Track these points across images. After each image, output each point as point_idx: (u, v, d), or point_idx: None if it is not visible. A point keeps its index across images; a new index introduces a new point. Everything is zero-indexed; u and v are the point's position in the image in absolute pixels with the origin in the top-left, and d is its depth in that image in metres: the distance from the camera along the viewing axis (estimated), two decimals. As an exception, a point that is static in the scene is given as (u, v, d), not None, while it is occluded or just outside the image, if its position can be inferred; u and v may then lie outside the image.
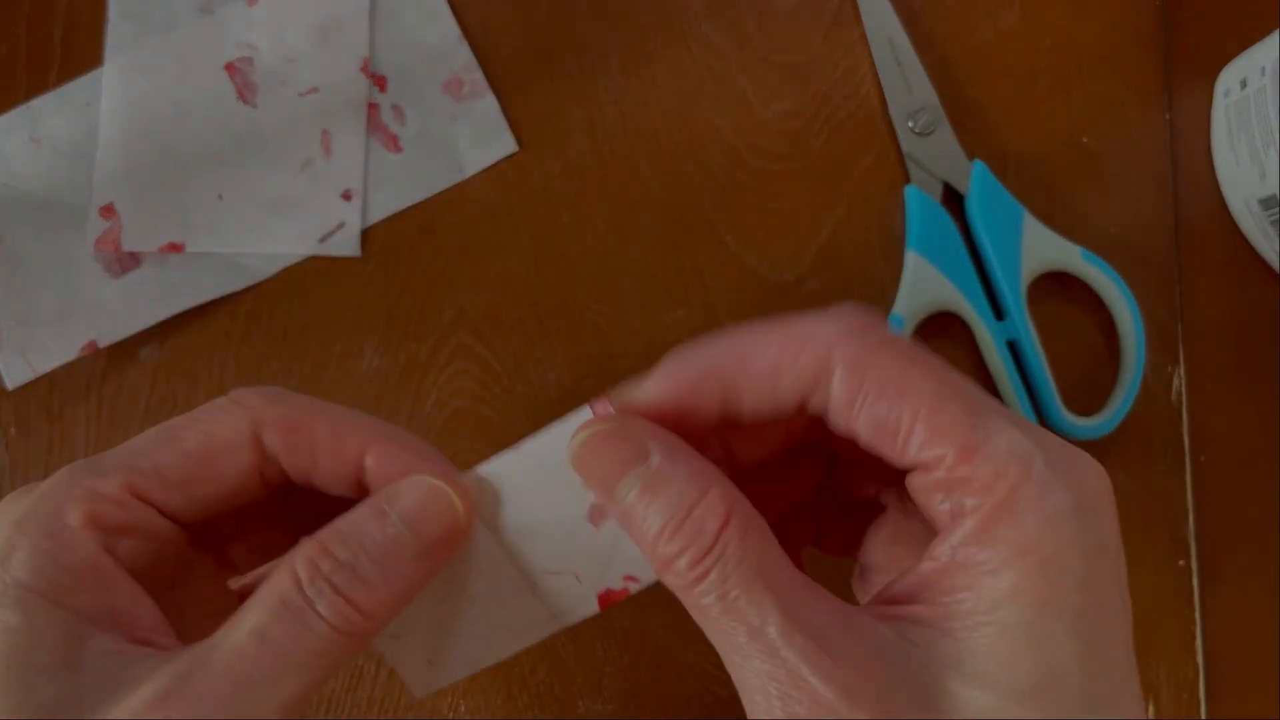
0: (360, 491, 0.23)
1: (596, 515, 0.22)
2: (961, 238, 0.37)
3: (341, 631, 0.20)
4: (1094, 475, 0.21)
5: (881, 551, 0.25)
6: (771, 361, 0.21)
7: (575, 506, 0.22)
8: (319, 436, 0.22)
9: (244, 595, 0.25)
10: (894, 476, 0.21)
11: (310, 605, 0.20)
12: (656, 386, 0.21)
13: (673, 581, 0.20)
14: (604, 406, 0.22)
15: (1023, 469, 0.19)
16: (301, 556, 0.21)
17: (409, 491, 0.22)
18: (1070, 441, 0.37)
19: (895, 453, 0.20)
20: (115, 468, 0.21)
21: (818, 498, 0.27)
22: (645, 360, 0.37)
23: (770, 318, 0.21)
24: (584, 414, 0.22)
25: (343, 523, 0.21)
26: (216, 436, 0.22)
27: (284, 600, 0.20)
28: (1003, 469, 0.19)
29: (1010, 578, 0.18)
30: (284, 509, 0.26)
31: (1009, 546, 0.19)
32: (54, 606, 0.20)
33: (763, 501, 0.21)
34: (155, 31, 0.38)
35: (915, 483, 0.20)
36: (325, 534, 0.21)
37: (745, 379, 0.21)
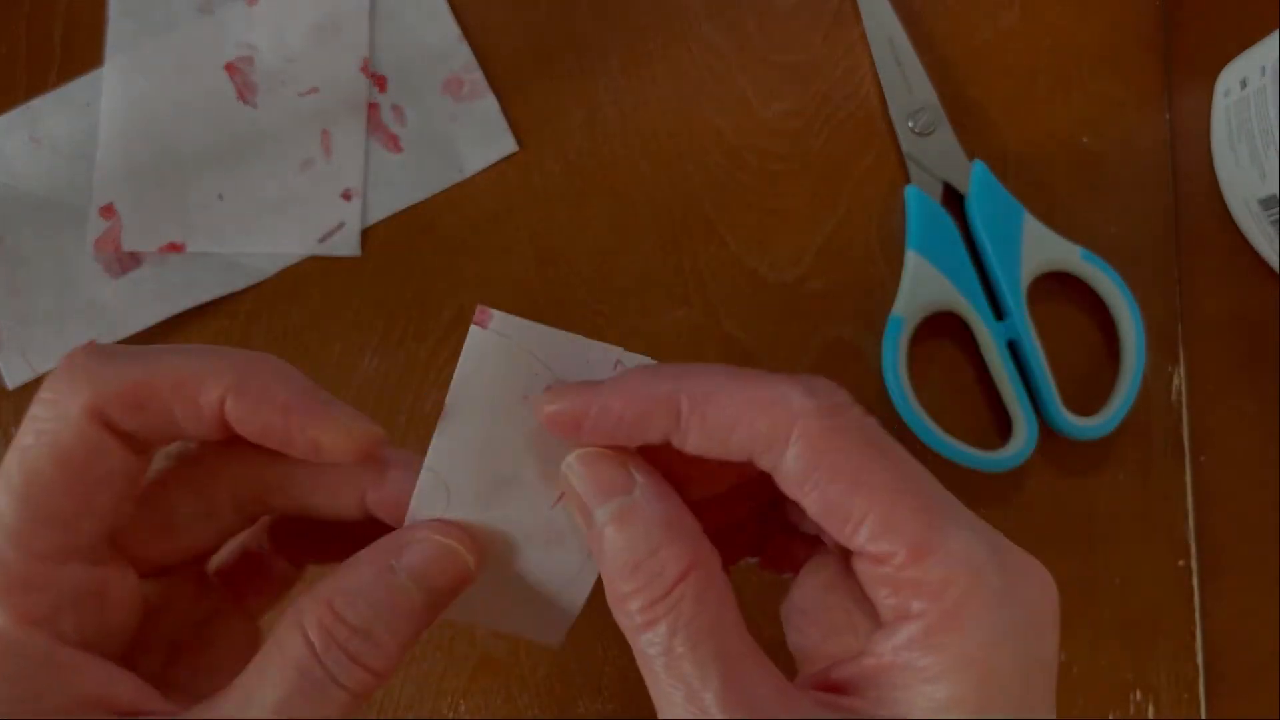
0: (227, 432, 0.21)
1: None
2: (961, 238, 0.37)
3: (357, 694, 0.20)
4: (1041, 587, 0.20)
5: (814, 596, 0.24)
6: (732, 412, 0.20)
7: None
8: (168, 398, 0.20)
9: (224, 574, 0.25)
10: None
11: (332, 677, 0.20)
12: (609, 395, 0.21)
13: (623, 622, 0.20)
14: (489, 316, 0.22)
15: (973, 578, 0.18)
16: (312, 619, 0.20)
17: (417, 548, 0.21)
18: (1070, 441, 0.38)
19: (843, 537, 0.20)
20: (3, 540, 0.20)
21: (762, 515, 0.26)
22: (645, 360, 0.37)
23: (736, 367, 0.21)
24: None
25: (349, 579, 0.21)
26: (64, 449, 0.20)
27: (303, 671, 0.20)
28: (953, 576, 0.18)
29: (949, 689, 0.18)
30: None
31: (952, 657, 0.18)
32: (28, 715, 0.19)
33: (704, 510, 0.21)
34: (155, 31, 0.38)
35: (861, 569, 0.20)
36: (332, 593, 0.20)
37: (700, 419, 0.20)
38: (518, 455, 0.22)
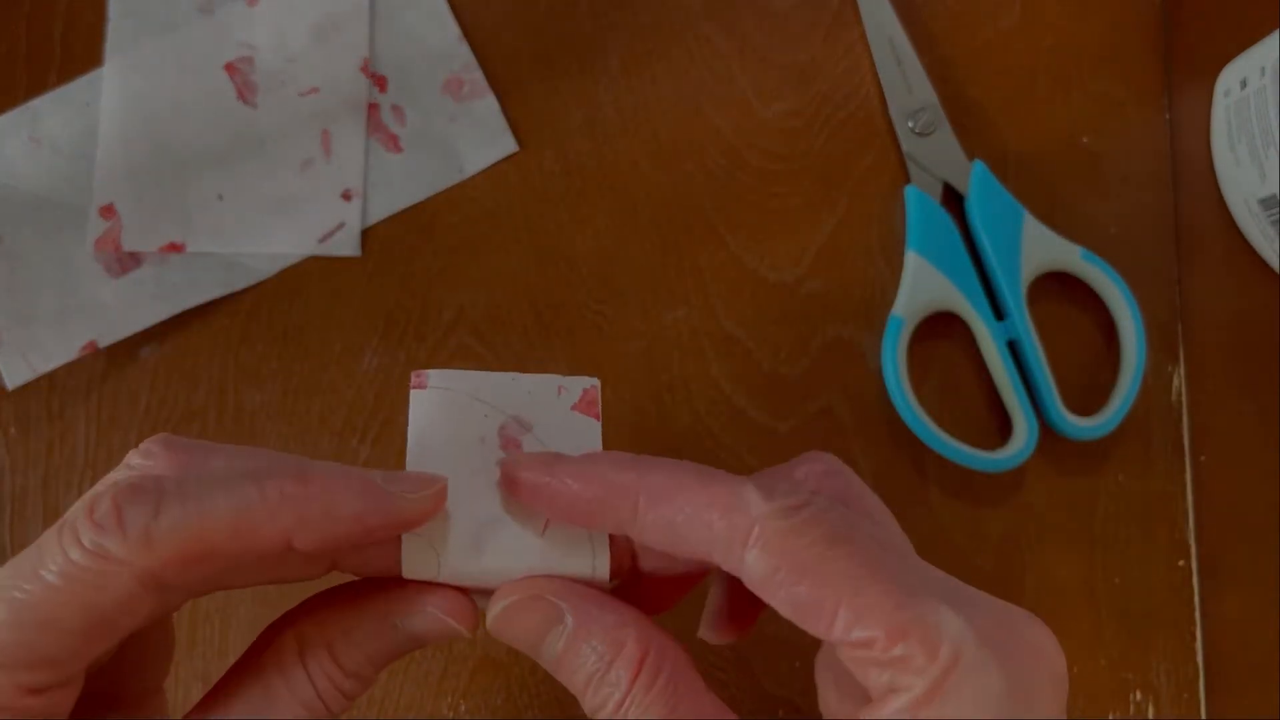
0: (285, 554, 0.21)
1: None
2: (961, 238, 0.37)
3: (340, 714, 0.22)
4: (1031, 649, 0.20)
5: (833, 657, 0.24)
6: (687, 514, 0.20)
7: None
8: (226, 552, 0.19)
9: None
10: None
11: (328, 710, 0.22)
12: (570, 476, 0.21)
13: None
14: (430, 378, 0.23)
15: (953, 651, 0.18)
16: (315, 664, 0.21)
17: (421, 620, 0.22)
18: (1070, 441, 0.38)
19: (819, 633, 0.20)
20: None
21: None
22: (645, 360, 0.37)
23: (699, 466, 0.21)
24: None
25: (351, 627, 0.22)
26: (100, 607, 0.19)
27: (309, 708, 0.21)
28: (933, 650, 0.19)
29: None
30: None
31: None
32: None
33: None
34: (155, 31, 0.38)
35: (846, 656, 0.20)
36: (334, 638, 0.22)
37: (656, 516, 0.21)
38: (492, 495, 0.22)
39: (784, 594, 0.20)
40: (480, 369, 0.36)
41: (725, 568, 0.21)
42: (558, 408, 0.24)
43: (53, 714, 0.20)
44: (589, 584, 0.22)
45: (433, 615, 0.22)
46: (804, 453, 0.25)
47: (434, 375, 0.22)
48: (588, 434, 0.24)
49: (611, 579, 0.23)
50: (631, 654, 0.21)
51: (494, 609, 0.22)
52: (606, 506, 0.21)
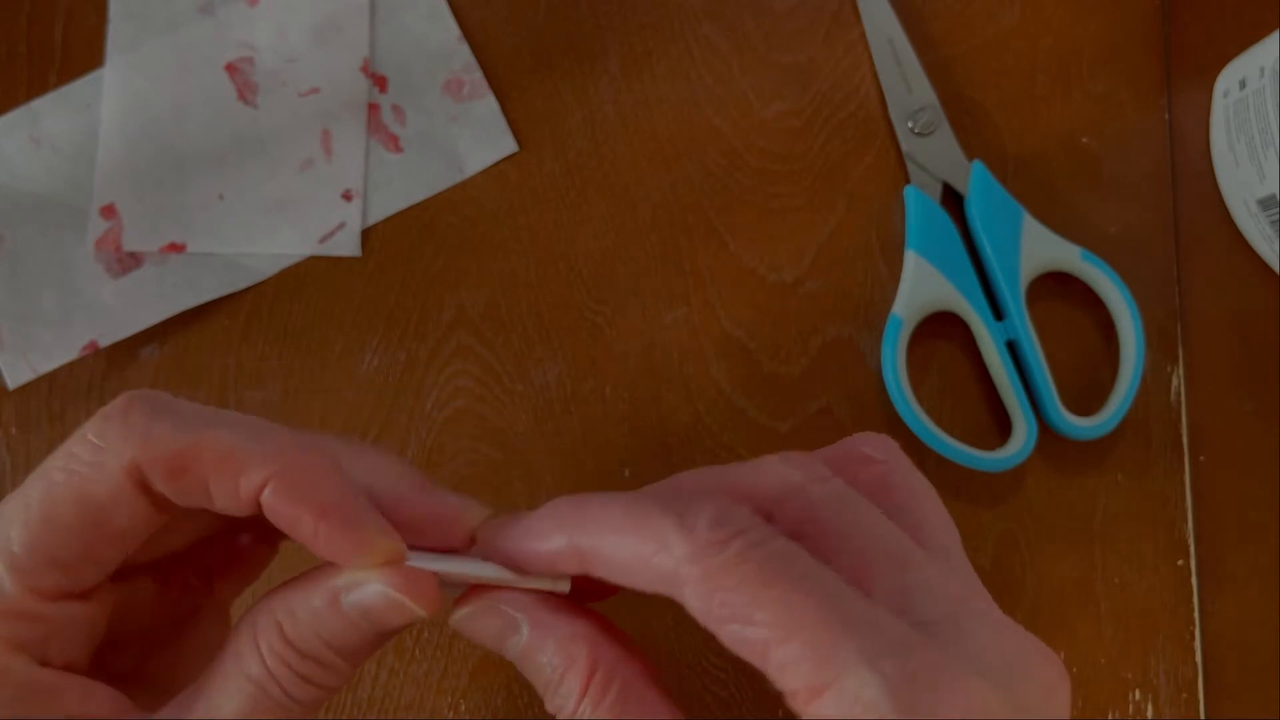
0: (255, 511, 0.22)
1: None
2: (961, 238, 0.37)
3: (313, 706, 0.21)
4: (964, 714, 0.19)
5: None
6: (623, 562, 0.21)
7: None
8: (209, 473, 0.20)
9: (195, 563, 0.25)
10: None
11: (287, 694, 0.21)
12: (519, 554, 0.22)
13: None
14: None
15: (866, 714, 0.18)
16: (265, 641, 0.21)
17: (365, 589, 0.21)
18: (1069, 441, 0.38)
19: (764, 670, 0.19)
20: (4, 571, 0.20)
21: None
22: (645, 360, 0.37)
23: (633, 498, 0.21)
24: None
25: (299, 605, 0.21)
26: (93, 499, 0.20)
27: (260, 688, 0.21)
28: (846, 713, 0.18)
29: None
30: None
31: None
32: None
33: None
34: (155, 31, 0.38)
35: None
36: (283, 615, 0.21)
37: (601, 568, 0.21)
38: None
39: (722, 632, 0.20)
40: (480, 369, 0.37)
41: (681, 602, 0.20)
42: None
43: (68, 630, 0.21)
44: (549, 593, 0.23)
45: (380, 591, 0.21)
46: (860, 433, 0.25)
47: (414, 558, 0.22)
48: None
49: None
50: (582, 667, 0.21)
51: (456, 615, 0.23)
52: (559, 565, 0.22)
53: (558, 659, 0.21)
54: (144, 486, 0.20)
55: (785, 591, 0.19)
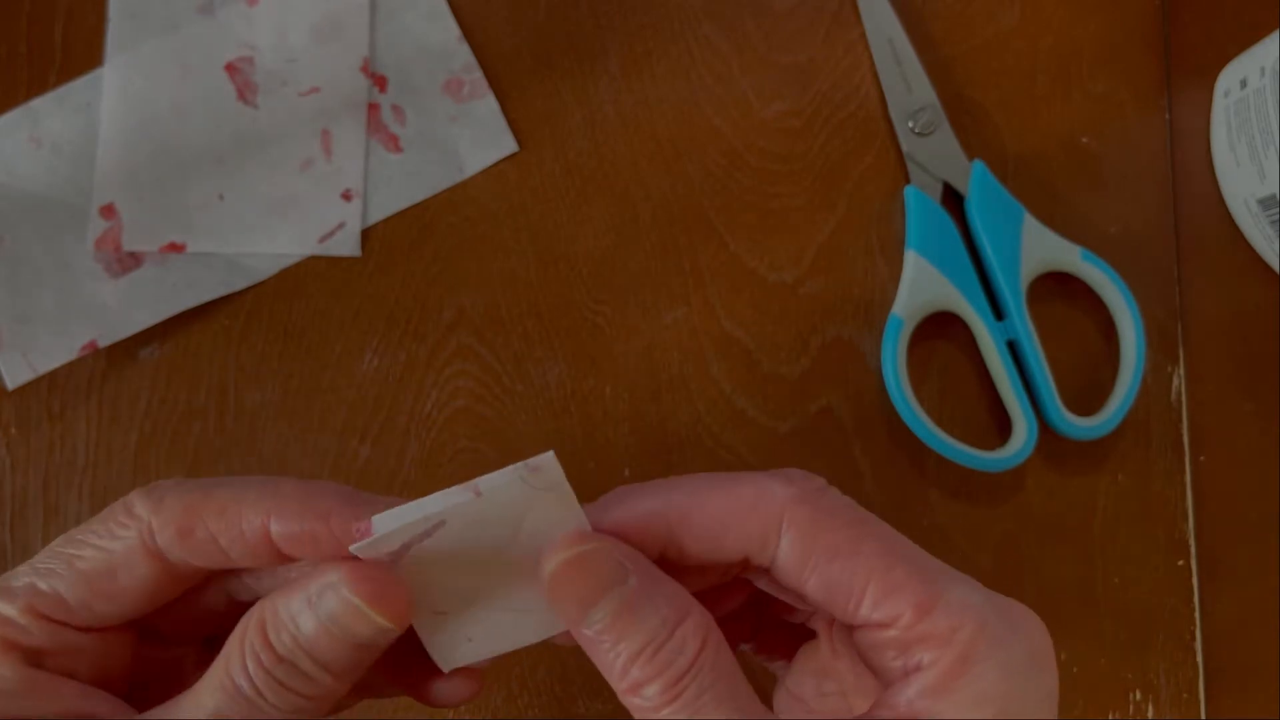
0: (276, 558, 0.22)
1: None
2: (961, 238, 0.37)
3: (296, 714, 0.21)
4: (1038, 629, 0.21)
5: (810, 684, 0.25)
6: (719, 518, 0.21)
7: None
8: (215, 527, 0.22)
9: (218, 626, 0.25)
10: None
11: (261, 696, 0.21)
12: (601, 520, 0.22)
13: (638, 704, 0.20)
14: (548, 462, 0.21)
15: (977, 623, 0.20)
16: (247, 641, 0.21)
17: (331, 599, 0.21)
18: (1070, 441, 0.38)
19: (847, 614, 0.21)
20: (21, 590, 0.22)
21: (755, 602, 0.26)
22: (645, 360, 0.37)
23: (715, 474, 0.22)
24: (524, 476, 0.21)
25: (283, 607, 0.21)
26: (110, 555, 0.22)
27: (237, 688, 0.21)
28: (958, 623, 0.20)
29: None
30: None
31: (967, 698, 0.19)
32: None
33: (701, 602, 0.22)
34: (155, 31, 0.38)
35: (865, 640, 0.21)
36: (267, 616, 0.21)
37: (690, 530, 0.21)
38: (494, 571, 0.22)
39: (816, 577, 0.21)
40: (480, 369, 0.37)
41: (759, 562, 0.21)
42: (526, 496, 0.22)
43: (67, 654, 0.22)
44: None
45: (342, 599, 0.21)
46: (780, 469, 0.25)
47: (376, 521, 0.21)
48: (564, 506, 0.22)
49: None
50: (699, 621, 0.20)
51: (556, 557, 0.21)
52: (642, 541, 0.21)
53: (670, 610, 0.20)
54: (156, 554, 0.22)
55: (883, 532, 0.21)
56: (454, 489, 0.21)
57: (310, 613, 0.21)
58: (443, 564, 0.22)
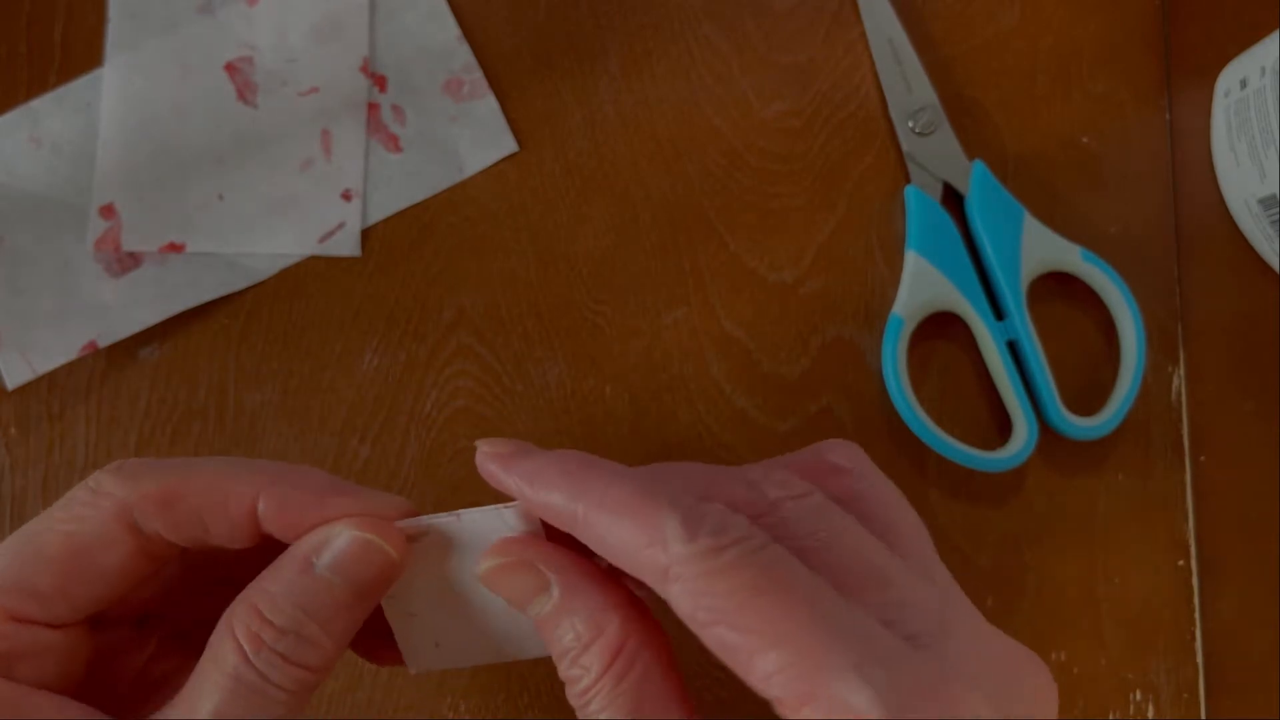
0: (264, 540, 0.22)
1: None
2: (961, 238, 0.37)
3: (298, 692, 0.21)
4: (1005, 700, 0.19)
5: None
6: (613, 545, 0.20)
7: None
8: (199, 501, 0.21)
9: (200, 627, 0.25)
10: None
11: (265, 679, 0.20)
12: (532, 493, 0.22)
13: (570, 701, 0.21)
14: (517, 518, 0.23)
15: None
16: (241, 626, 0.21)
17: (336, 542, 0.21)
18: (1070, 441, 0.38)
19: (742, 676, 0.19)
20: None
21: None
22: (645, 360, 0.37)
23: (636, 479, 0.21)
24: (502, 514, 0.22)
25: (272, 582, 0.21)
26: (80, 536, 0.21)
27: (238, 678, 0.20)
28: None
29: None
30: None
31: None
32: None
33: None
34: (155, 31, 0.38)
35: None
36: (257, 597, 0.21)
37: (596, 543, 0.21)
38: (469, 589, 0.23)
39: (705, 634, 0.19)
40: (480, 369, 0.37)
41: (659, 593, 0.20)
42: (497, 529, 0.23)
43: (37, 654, 0.21)
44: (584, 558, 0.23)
45: (346, 534, 0.21)
46: (826, 440, 0.24)
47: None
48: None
49: None
50: (609, 642, 0.20)
51: (484, 564, 0.22)
52: (554, 517, 0.21)
53: (585, 628, 0.21)
54: (133, 529, 0.21)
55: (776, 599, 0.19)
56: (441, 514, 0.23)
57: (309, 574, 0.21)
58: (420, 569, 0.23)
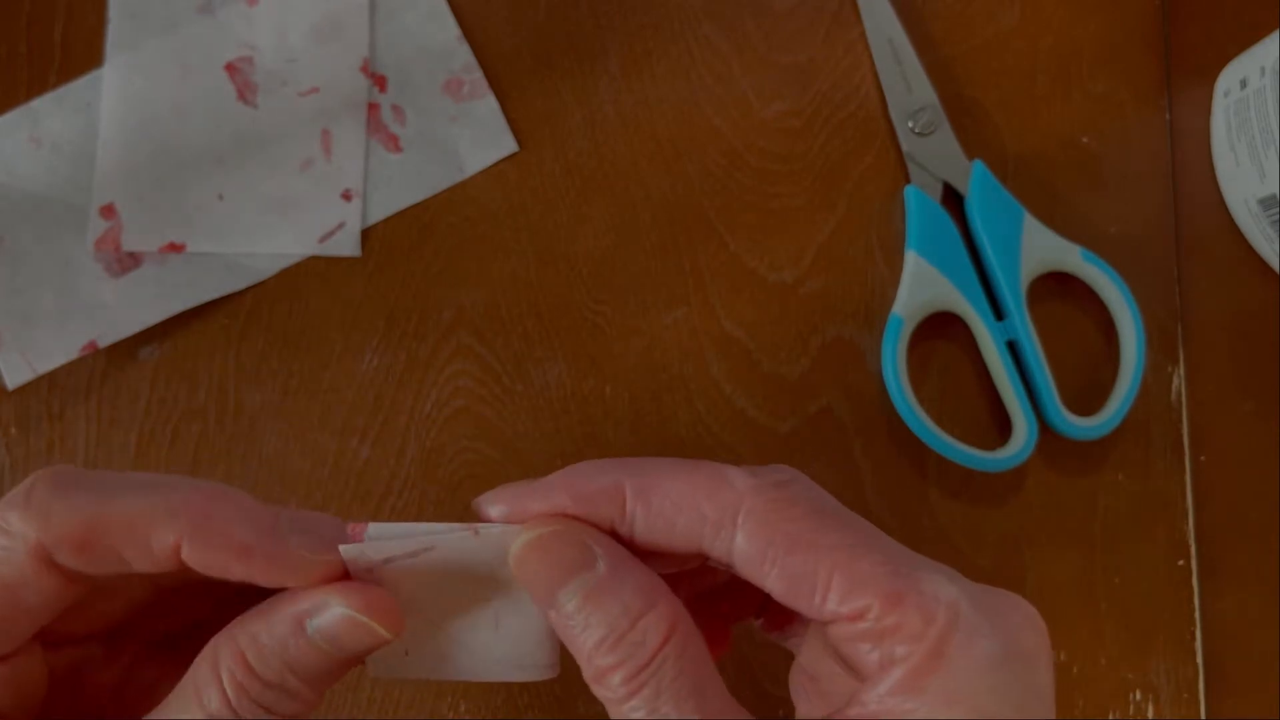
0: (187, 572, 0.21)
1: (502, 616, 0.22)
2: (961, 238, 0.37)
3: None
4: (1026, 623, 0.20)
5: (816, 662, 0.23)
6: (673, 501, 0.20)
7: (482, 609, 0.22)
8: (117, 541, 0.20)
9: (172, 642, 0.25)
10: None
11: None
12: (554, 491, 0.21)
13: (603, 694, 0.20)
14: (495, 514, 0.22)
15: (951, 615, 0.18)
16: (227, 672, 0.20)
17: (329, 613, 0.20)
18: (1070, 441, 0.38)
19: (813, 608, 0.19)
20: None
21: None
22: (645, 360, 0.37)
23: (680, 459, 0.21)
24: (490, 530, 0.21)
25: (263, 630, 0.21)
26: (1, 580, 0.20)
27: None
28: (931, 615, 0.18)
29: None
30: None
31: (937, 696, 0.18)
32: None
33: (703, 574, 0.21)
34: (155, 31, 0.38)
35: (837, 634, 0.20)
36: (246, 644, 0.20)
37: (642, 513, 0.20)
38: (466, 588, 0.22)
39: (776, 570, 0.19)
40: (480, 369, 0.37)
41: (715, 554, 0.20)
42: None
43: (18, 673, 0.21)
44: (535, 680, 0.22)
45: (342, 614, 0.20)
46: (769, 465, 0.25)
47: (373, 529, 0.21)
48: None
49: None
50: (664, 613, 0.20)
51: (523, 539, 0.21)
52: (594, 509, 0.21)
53: (636, 601, 0.19)
54: (52, 564, 0.20)
55: (850, 522, 0.20)
56: (455, 525, 0.21)
57: (301, 635, 0.20)
58: (413, 582, 0.22)
